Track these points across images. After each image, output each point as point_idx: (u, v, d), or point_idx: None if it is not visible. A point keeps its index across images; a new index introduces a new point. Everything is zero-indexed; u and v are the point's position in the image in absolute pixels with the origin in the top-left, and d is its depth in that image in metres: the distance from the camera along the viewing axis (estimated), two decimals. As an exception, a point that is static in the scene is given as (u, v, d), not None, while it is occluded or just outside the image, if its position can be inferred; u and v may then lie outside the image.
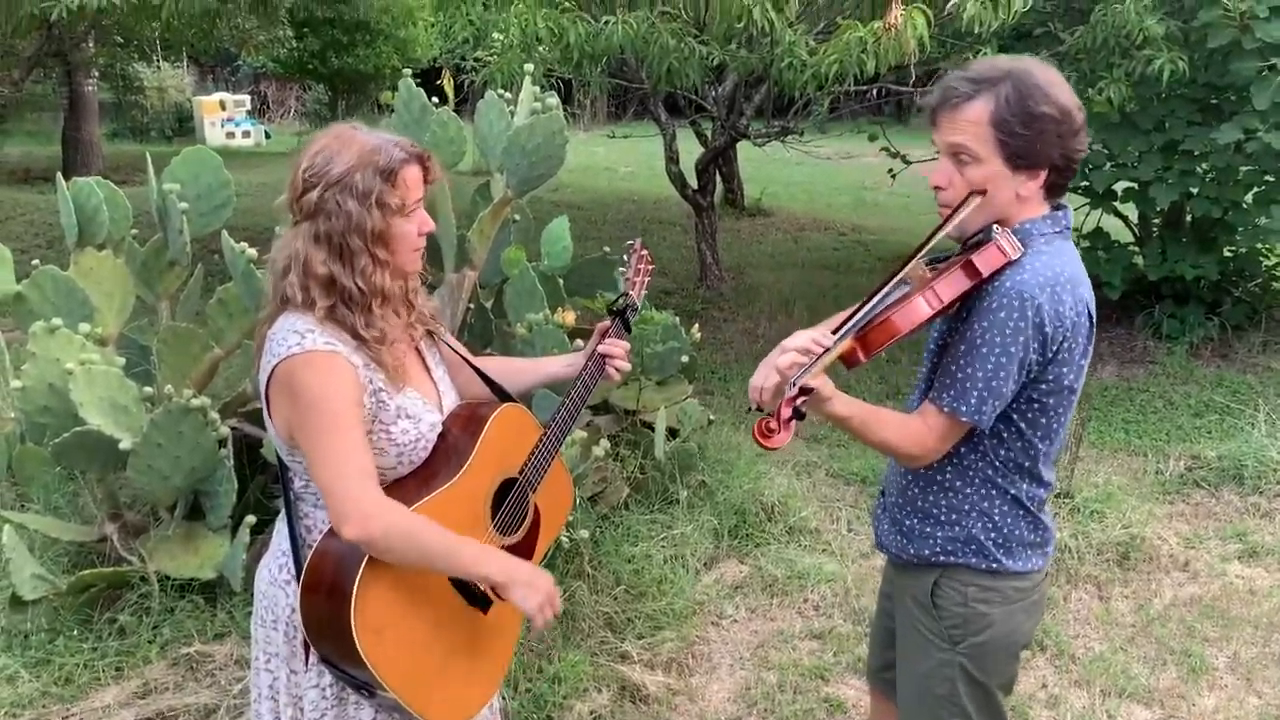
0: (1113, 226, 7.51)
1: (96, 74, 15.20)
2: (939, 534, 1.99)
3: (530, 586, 1.88)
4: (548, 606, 1.91)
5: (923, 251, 1.84)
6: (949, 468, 1.95)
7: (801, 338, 1.75)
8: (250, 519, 3.34)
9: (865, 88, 6.56)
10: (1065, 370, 1.86)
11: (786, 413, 1.65)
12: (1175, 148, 6.22)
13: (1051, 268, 1.81)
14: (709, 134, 7.98)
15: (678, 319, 4.16)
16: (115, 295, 4.01)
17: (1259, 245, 6.98)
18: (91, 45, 12.39)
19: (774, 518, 4.22)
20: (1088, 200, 7.08)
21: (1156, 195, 6.25)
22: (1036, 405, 1.88)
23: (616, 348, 2.21)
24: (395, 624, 1.80)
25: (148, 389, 3.52)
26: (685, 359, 4.18)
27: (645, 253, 2.38)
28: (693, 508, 4.09)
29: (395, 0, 18.19)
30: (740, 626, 3.68)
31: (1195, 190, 6.41)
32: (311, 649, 1.90)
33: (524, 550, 2.06)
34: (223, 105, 19.66)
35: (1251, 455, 4.93)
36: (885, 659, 2.28)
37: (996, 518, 1.95)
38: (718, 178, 9.46)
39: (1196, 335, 6.83)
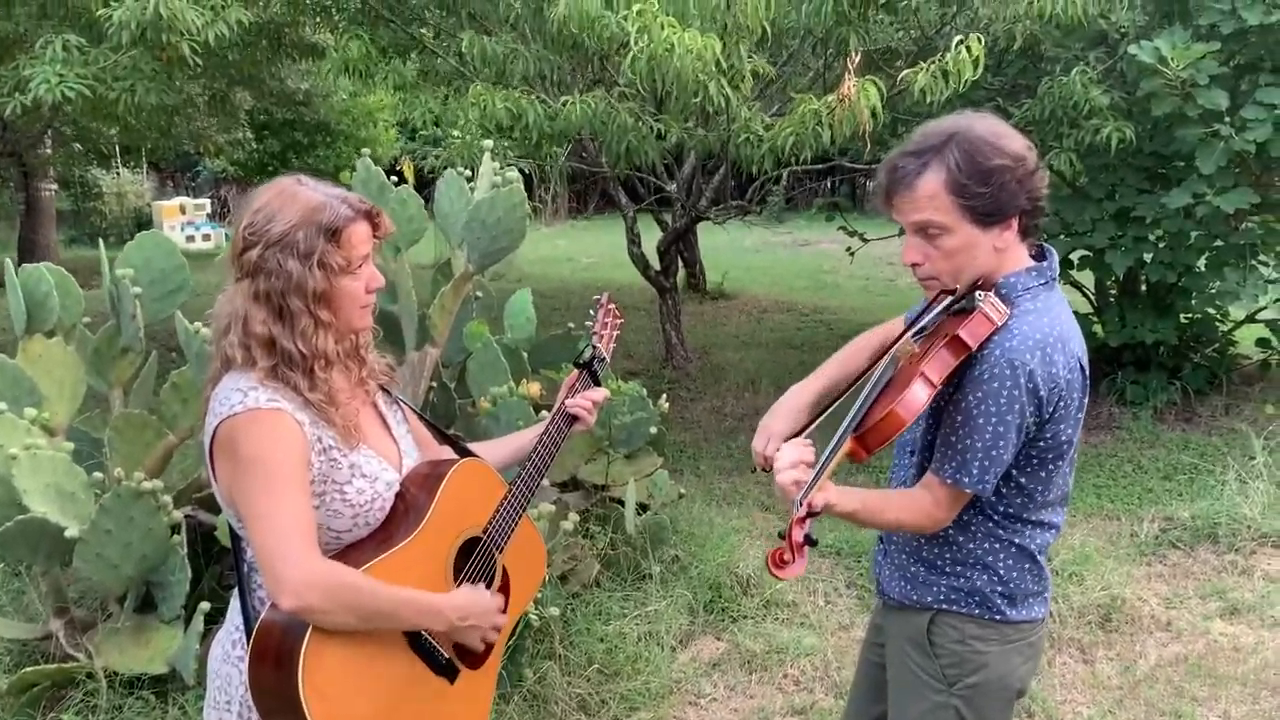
0: (1072, 297, 7.60)
1: (54, 180, 15.19)
2: (943, 583, 1.95)
3: (476, 629, 1.88)
4: (491, 634, 1.92)
5: (905, 335, 1.84)
6: (951, 524, 1.91)
7: (791, 454, 1.69)
8: (205, 606, 3.19)
9: (820, 166, 6.66)
10: (1062, 427, 1.84)
11: (799, 538, 1.60)
12: (1127, 215, 6.33)
13: (1039, 329, 1.78)
14: (670, 218, 8.04)
15: (645, 390, 4.11)
16: (65, 384, 3.89)
17: (1214, 310, 7.08)
18: (48, 147, 12.37)
19: (749, 591, 4.11)
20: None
21: (1112, 262, 6.33)
22: (1035, 460, 1.86)
23: (585, 399, 2.15)
24: (348, 692, 1.69)
25: (97, 474, 3.39)
26: (654, 430, 4.11)
27: (613, 306, 2.33)
28: (666, 583, 3.98)
29: (355, 102, 18.43)
30: (719, 705, 3.55)
31: (1149, 256, 6.50)
32: (267, 729, 1.78)
33: (493, 617, 1.96)
34: (183, 209, 19.67)
35: (1225, 513, 4.91)
36: (870, 715, 2.18)
37: (1001, 571, 1.92)
38: (679, 262, 9.52)
39: (1160, 400, 6.86)
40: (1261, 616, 4.13)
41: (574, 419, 2.13)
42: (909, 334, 1.83)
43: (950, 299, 1.85)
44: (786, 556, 1.61)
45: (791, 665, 3.75)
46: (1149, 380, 7.00)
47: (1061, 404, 1.80)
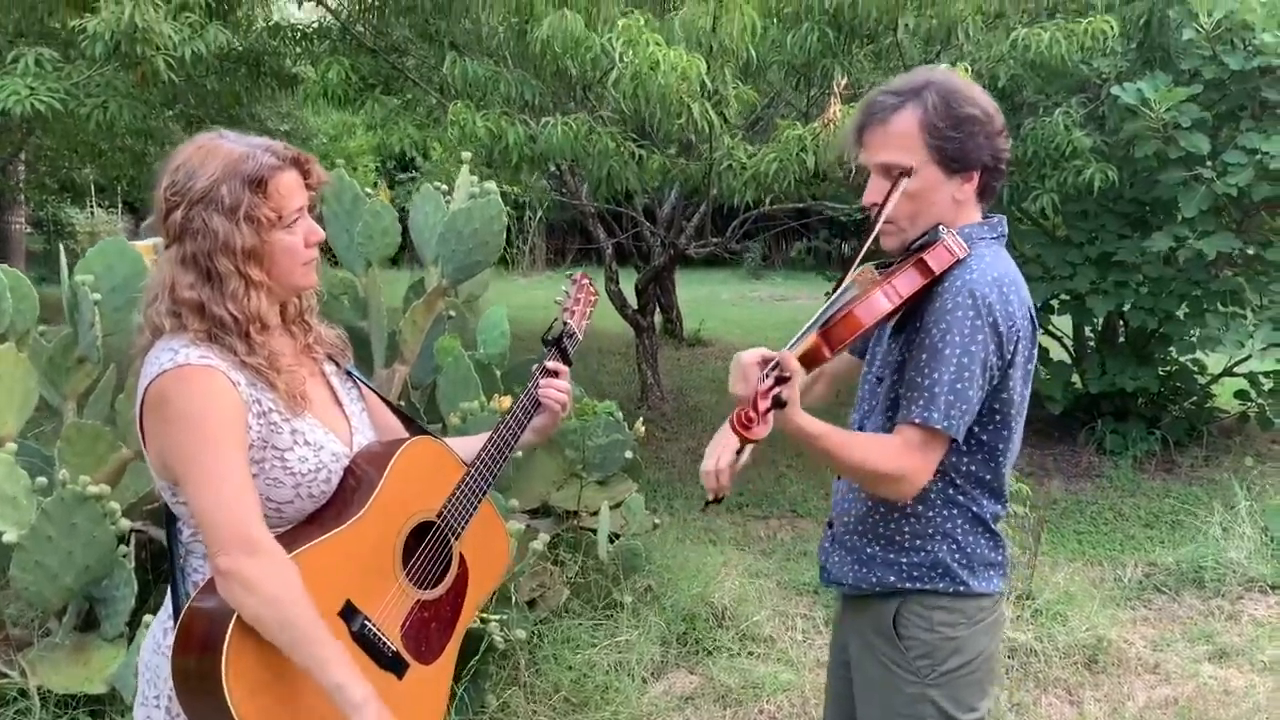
0: (1051, 347, 7.56)
1: (25, 216, 15.01)
2: (903, 560, 1.89)
3: None
4: None
5: (861, 254, 1.82)
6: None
7: (755, 351, 1.69)
8: (150, 619, 2.99)
9: (800, 205, 6.62)
10: (1018, 374, 1.83)
11: (765, 404, 1.57)
12: (1109, 260, 6.30)
13: (996, 268, 1.82)
14: (649, 258, 7.97)
15: (620, 412, 3.98)
16: (15, 392, 3.71)
17: (1194, 360, 7.06)
18: (20, 175, 12.20)
19: (725, 624, 3.96)
20: (1025, 315, 7.11)
21: (1093, 306, 6.29)
22: (998, 416, 1.83)
23: (558, 387, 2.01)
24: (276, 682, 1.54)
25: (41, 479, 3.21)
26: (629, 455, 3.98)
27: (588, 283, 2.20)
28: (638, 613, 3.82)
29: (335, 145, 18.41)
30: (692, 739, 3.38)
31: (1130, 303, 6.46)
32: (194, 725, 1.63)
33: (448, 607, 1.81)
34: (156, 249, 19.44)
35: (1210, 558, 4.81)
36: None
37: (959, 538, 1.88)
38: (658, 306, 9.44)
39: (1139, 449, 6.79)
40: (1251, 660, 4.01)
41: (539, 403, 1.99)
42: (868, 264, 1.83)
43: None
44: (751, 414, 1.57)
45: (768, 701, 3.58)
46: (1128, 430, 6.94)
47: (1019, 346, 1.80)
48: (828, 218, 7.32)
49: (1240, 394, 7.24)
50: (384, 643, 1.67)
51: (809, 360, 1.71)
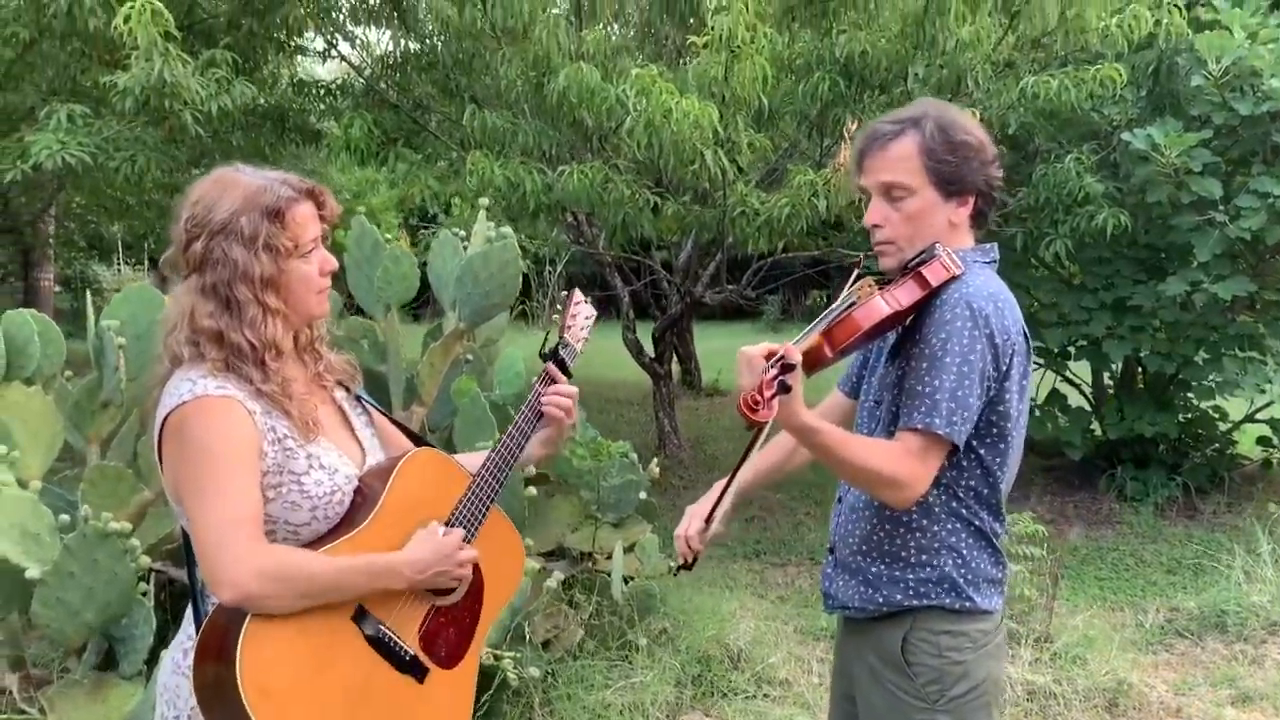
0: (1069, 393, 7.54)
1: (53, 274, 15.28)
2: (909, 576, 1.91)
3: (440, 572, 1.75)
4: (457, 569, 1.78)
5: (858, 269, 1.92)
6: (914, 508, 1.89)
7: (759, 345, 1.75)
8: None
9: (818, 252, 6.68)
10: (1013, 389, 1.87)
11: (770, 391, 1.61)
12: (1124, 305, 6.32)
13: (990, 285, 1.88)
14: (668, 301, 8.03)
15: (635, 453, 4.00)
16: (41, 435, 3.78)
17: (1214, 407, 7.03)
18: (50, 227, 12.43)
19: (740, 666, 3.93)
20: (1043, 361, 7.13)
21: (1110, 351, 6.29)
22: (995, 430, 1.88)
23: (559, 396, 2.03)
24: (293, 686, 1.58)
25: (64, 517, 3.26)
26: (643, 495, 4.00)
27: (585, 301, 2.22)
28: (653, 654, 3.80)
29: (357, 202, 18.66)
30: (707, 781, 3.35)
31: (1148, 348, 6.46)
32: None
33: (466, 614, 1.84)
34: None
35: (1233, 602, 4.75)
36: None
37: (963, 551, 1.91)
38: (675, 356, 9.49)
39: (1160, 496, 6.75)
40: (1276, 705, 3.95)
41: (542, 413, 2.02)
42: (865, 280, 1.89)
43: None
44: (757, 398, 1.61)
45: (783, 743, 3.56)
46: (1149, 476, 6.90)
47: (1013, 360, 1.85)
48: (844, 266, 7.36)
49: (1262, 440, 7.20)
50: (400, 646, 1.70)
51: (811, 358, 1.76)
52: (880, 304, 1.77)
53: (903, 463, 1.78)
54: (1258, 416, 7.17)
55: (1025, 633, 4.24)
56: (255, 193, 1.69)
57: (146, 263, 22.49)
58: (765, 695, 3.87)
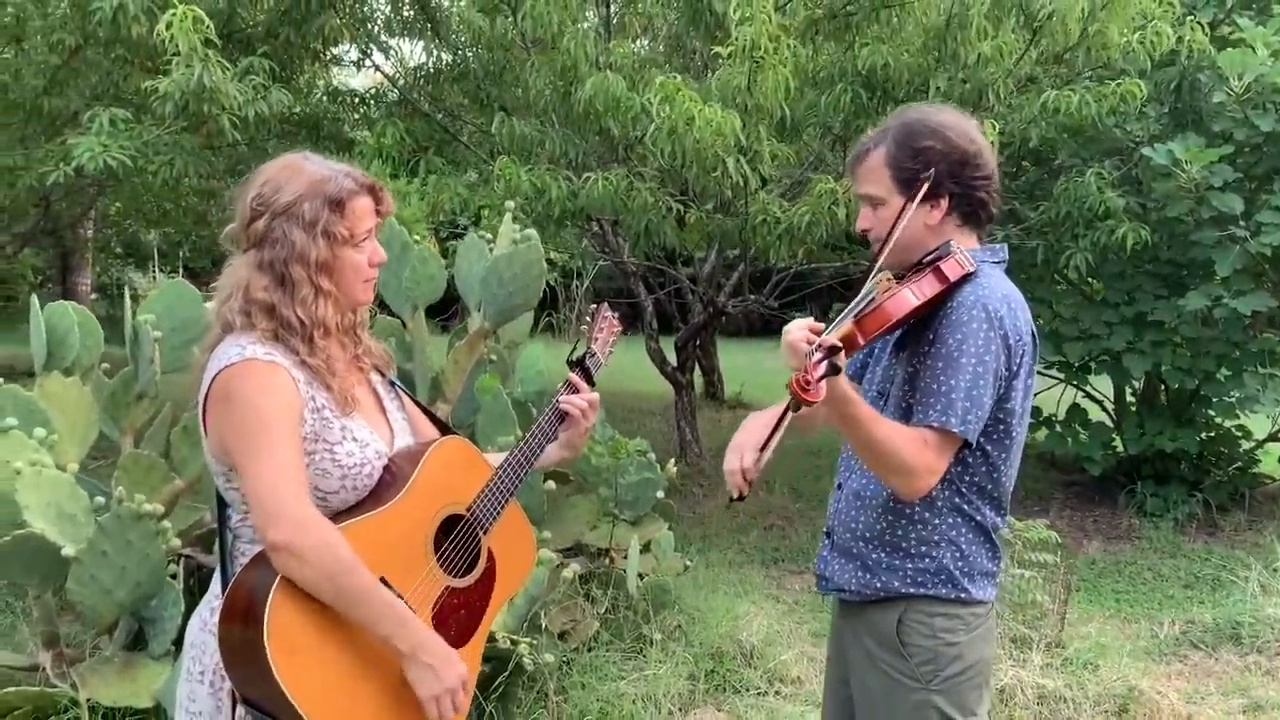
0: (1091, 409, 7.55)
1: (90, 283, 15.56)
2: (908, 565, 1.98)
3: (432, 670, 1.72)
4: (446, 700, 1.74)
5: (877, 266, 1.94)
6: (918, 500, 1.95)
7: (800, 322, 1.83)
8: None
9: (839, 264, 6.74)
10: (1020, 386, 1.95)
11: (819, 371, 1.67)
12: (1145, 319, 6.34)
13: (1002, 287, 1.96)
14: (691, 311, 8.12)
15: (653, 452, 4.08)
16: (78, 425, 3.91)
17: (1236, 425, 7.02)
18: (89, 231, 12.67)
19: (753, 663, 3.99)
20: (1063, 376, 7.15)
21: (1130, 365, 6.31)
22: (1002, 427, 1.94)
23: (579, 398, 2.14)
24: (313, 643, 1.66)
25: (99, 499, 3.38)
26: (660, 494, 4.08)
27: (612, 315, 2.34)
28: (666, 648, 3.88)
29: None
30: (718, 774, 3.42)
31: (1168, 363, 6.47)
32: (238, 704, 1.75)
33: (477, 598, 1.93)
34: (214, 311, 19.93)
35: (1247, 614, 4.77)
36: None
37: (963, 546, 1.97)
38: (698, 369, 9.57)
39: (1181, 512, 6.74)
40: (1287, 714, 3.97)
41: (564, 415, 2.12)
42: (881, 274, 1.94)
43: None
44: (808, 379, 1.65)
45: (794, 739, 3.62)
46: (1169, 493, 6.89)
47: (1022, 359, 1.93)
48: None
49: (1284, 459, 7.19)
50: None
51: (846, 344, 1.82)
52: (909, 296, 1.85)
53: (921, 454, 1.85)
54: (1280, 435, 7.16)
55: (1037, 638, 4.28)
56: (320, 181, 1.80)
57: (181, 270, 22.88)
58: (777, 693, 3.93)
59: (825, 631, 4.74)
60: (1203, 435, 7.06)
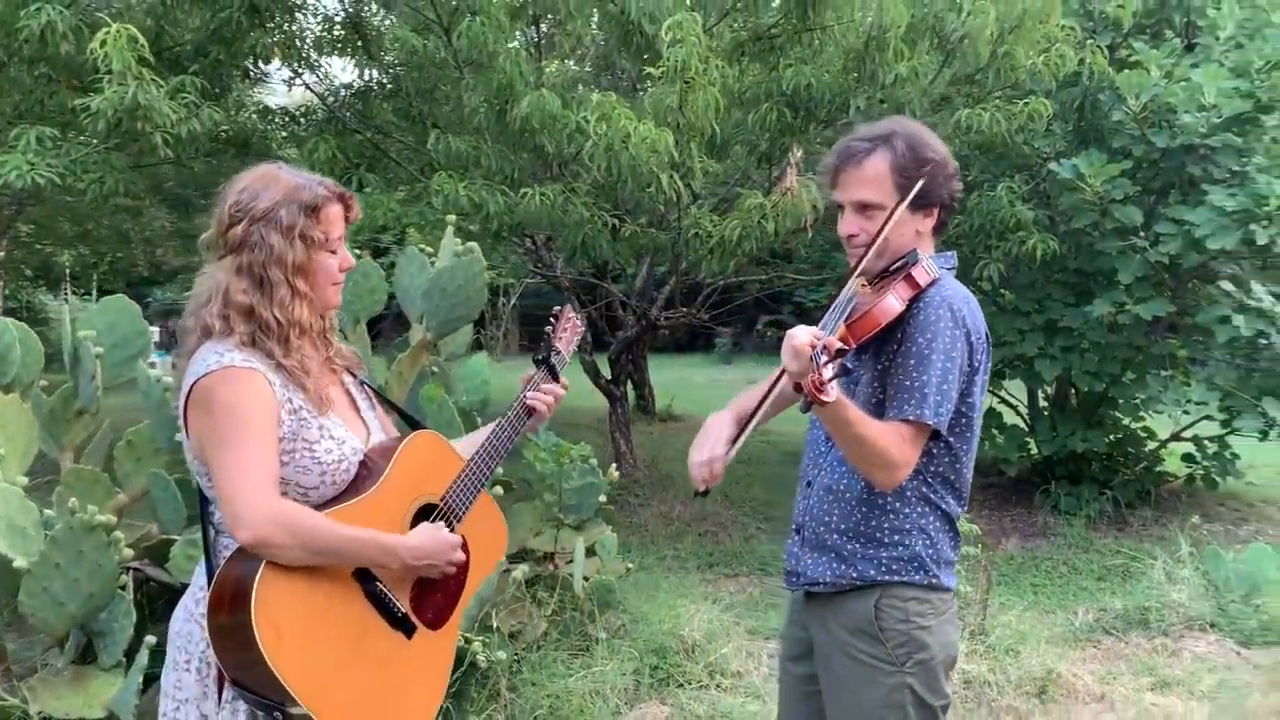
0: (1005, 413, 7.88)
1: (-1, 306, 15.19)
2: (883, 554, 2.08)
3: (429, 562, 1.95)
4: (453, 558, 1.99)
5: (857, 270, 2.06)
6: (890, 492, 2.06)
7: (804, 327, 1.89)
8: (151, 639, 3.17)
9: (765, 277, 6.96)
10: (977, 380, 2.06)
11: (828, 373, 1.75)
12: (1054, 326, 6.66)
13: (961, 291, 2.08)
14: (624, 325, 8.26)
15: (595, 458, 4.22)
16: (18, 440, 3.89)
17: (1142, 427, 7.40)
18: (1, 253, 12.38)
19: (694, 657, 4.14)
20: (979, 382, 7.44)
21: (1042, 370, 6.63)
22: (964, 420, 2.06)
23: (544, 393, 2.28)
24: (301, 630, 1.77)
25: (49, 512, 3.40)
26: (602, 498, 4.21)
27: (573, 317, 2.48)
28: (612, 646, 4.00)
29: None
30: (663, 763, 3.55)
31: (1076, 367, 6.80)
32: (225, 685, 1.84)
33: (452, 583, 2.04)
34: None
35: (1154, 601, 5.06)
36: None
37: (932, 533, 2.09)
38: (630, 381, 9.72)
39: (1092, 510, 7.08)
40: (1191, 690, 4.24)
41: (532, 411, 2.26)
42: (859, 278, 2.06)
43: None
44: (819, 381, 1.73)
45: (735, 730, 3.76)
46: (1081, 492, 7.23)
47: (982, 357, 2.05)
48: (794, 302, 7.67)
49: (1187, 457, 7.57)
50: (394, 603, 1.90)
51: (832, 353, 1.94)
52: (894, 302, 1.96)
53: (901, 447, 1.97)
54: (1183, 436, 7.55)
55: (962, 626, 4.50)
56: (296, 188, 1.92)
57: (95, 293, 22.34)
58: (718, 685, 4.08)
59: (763, 629, 4.92)
60: (1111, 436, 7.43)
